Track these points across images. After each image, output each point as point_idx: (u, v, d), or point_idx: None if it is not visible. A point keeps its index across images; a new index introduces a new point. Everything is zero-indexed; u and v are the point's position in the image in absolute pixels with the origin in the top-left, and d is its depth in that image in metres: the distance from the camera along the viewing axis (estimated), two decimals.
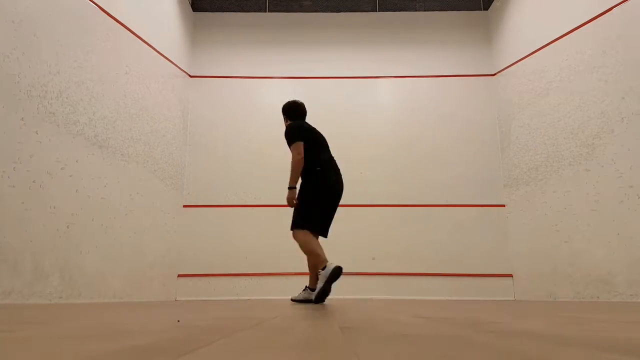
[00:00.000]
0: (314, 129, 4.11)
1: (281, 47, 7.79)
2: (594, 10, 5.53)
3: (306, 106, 4.33)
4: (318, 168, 3.83)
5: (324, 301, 3.69)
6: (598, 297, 5.23)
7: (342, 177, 4.09)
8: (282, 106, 4.31)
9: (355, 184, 7.28)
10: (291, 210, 3.97)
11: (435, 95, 7.56)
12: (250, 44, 7.77)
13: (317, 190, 3.80)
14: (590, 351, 0.87)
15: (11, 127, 3.65)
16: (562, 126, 5.93)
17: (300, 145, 3.76)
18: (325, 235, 4.02)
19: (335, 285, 3.57)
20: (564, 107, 5.91)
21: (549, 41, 6.27)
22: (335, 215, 4.04)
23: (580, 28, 5.74)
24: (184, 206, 7.02)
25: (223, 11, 7.96)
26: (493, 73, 7.51)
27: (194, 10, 7.84)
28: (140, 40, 5.84)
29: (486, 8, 7.90)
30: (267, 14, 7.99)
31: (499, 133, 7.29)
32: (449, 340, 1.09)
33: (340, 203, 3.99)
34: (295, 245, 3.89)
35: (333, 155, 4.13)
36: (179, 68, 7.07)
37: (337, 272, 3.45)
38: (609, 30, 5.33)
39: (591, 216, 5.38)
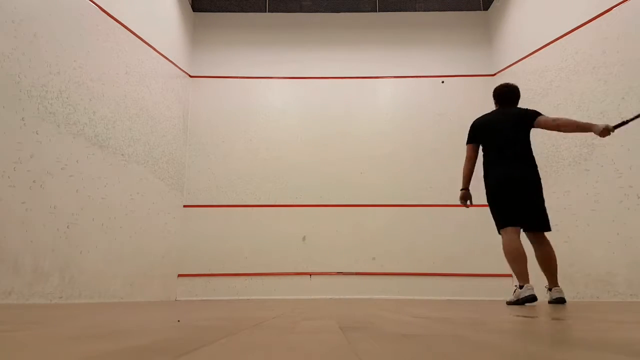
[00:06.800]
0: (492, 119, 3.73)
1: (281, 47, 7.79)
2: (594, 10, 5.53)
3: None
4: (487, 168, 3.61)
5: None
6: (598, 297, 5.22)
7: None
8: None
9: (355, 184, 7.30)
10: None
11: (436, 95, 7.56)
12: (250, 44, 7.77)
13: (488, 190, 3.61)
14: (590, 351, 0.87)
15: (11, 127, 3.65)
16: None
17: (467, 148, 3.72)
18: (524, 228, 3.78)
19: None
20: (564, 107, 5.90)
21: (549, 41, 6.27)
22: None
23: (580, 28, 5.74)
24: (184, 206, 7.02)
25: (223, 11, 7.96)
26: (493, 73, 7.51)
27: (194, 11, 7.84)
28: (140, 40, 5.84)
29: (486, 8, 7.90)
30: (267, 14, 7.99)
31: None
32: (449, 340, 1.09)
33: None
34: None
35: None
36: (179, 68, 7.07)
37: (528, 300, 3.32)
38: (609, 30, 5.32)
39: (591, 216, 5.38)
